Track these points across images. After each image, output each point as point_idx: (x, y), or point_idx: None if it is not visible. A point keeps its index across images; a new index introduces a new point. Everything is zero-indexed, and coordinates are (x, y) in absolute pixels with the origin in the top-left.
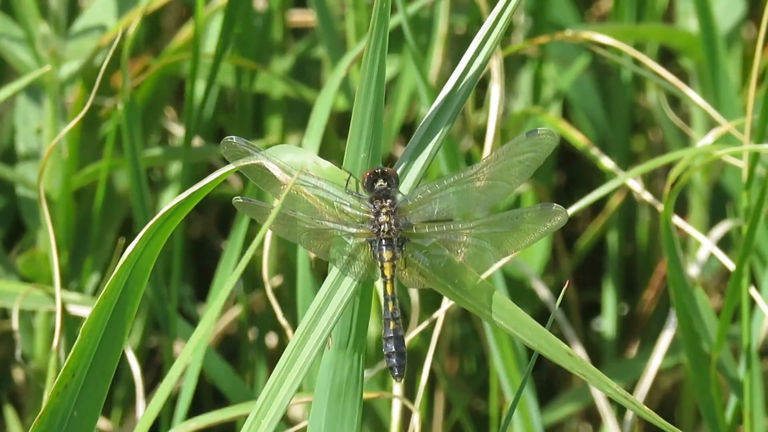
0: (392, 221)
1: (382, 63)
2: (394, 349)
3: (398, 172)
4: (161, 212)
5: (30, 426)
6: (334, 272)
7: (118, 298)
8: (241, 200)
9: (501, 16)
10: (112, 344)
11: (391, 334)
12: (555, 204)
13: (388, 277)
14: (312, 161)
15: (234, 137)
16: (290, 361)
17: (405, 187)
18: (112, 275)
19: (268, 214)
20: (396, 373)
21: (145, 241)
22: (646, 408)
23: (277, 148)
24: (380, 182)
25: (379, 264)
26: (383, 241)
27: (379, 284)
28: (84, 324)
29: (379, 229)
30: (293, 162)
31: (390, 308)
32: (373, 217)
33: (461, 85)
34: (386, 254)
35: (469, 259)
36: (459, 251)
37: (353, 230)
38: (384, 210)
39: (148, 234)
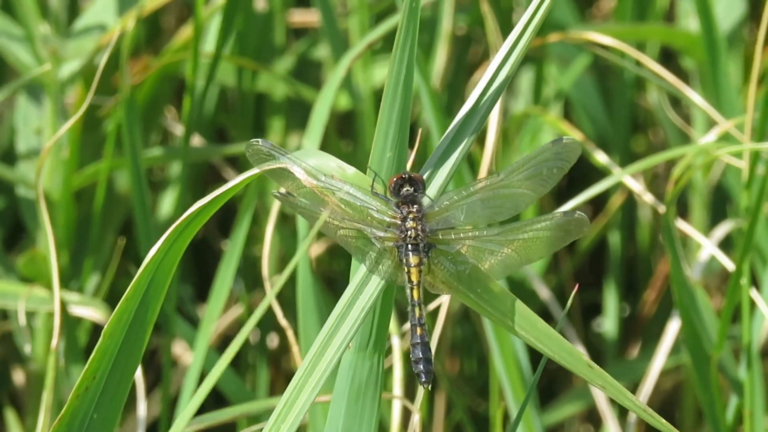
0: (419, 227)
1: (410, 61)
2: (421, 355)
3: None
4: (186, 214)
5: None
6: (357, 277)
7: (140, 300)
8: (278, 194)
9: (529, 25)
10: (132, 347)
11: (418, 340)
12: (577, 212)
13: (415, 282)
14: (336, 165)
15: (260, 140)
16: (313, 363)
17: (429, 194)
18: (135, 277)
19: (304, 208)
20: (423, 379)
21: (168, 244)
22: (663, 421)
23: (301, 153)
24: (407, 187)
25: (406, 269)
26: (410, 246)
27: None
28: (105, 326)
29: (406, 235)
30: (317, 166)
31: (417, 314)
32: (400, 222)
33: (487, 93)
34: (413, 259)
35: (493, 266)
36: (483, 258)
37: (380, 234)
38: (411, 215)
39: (171, 237)
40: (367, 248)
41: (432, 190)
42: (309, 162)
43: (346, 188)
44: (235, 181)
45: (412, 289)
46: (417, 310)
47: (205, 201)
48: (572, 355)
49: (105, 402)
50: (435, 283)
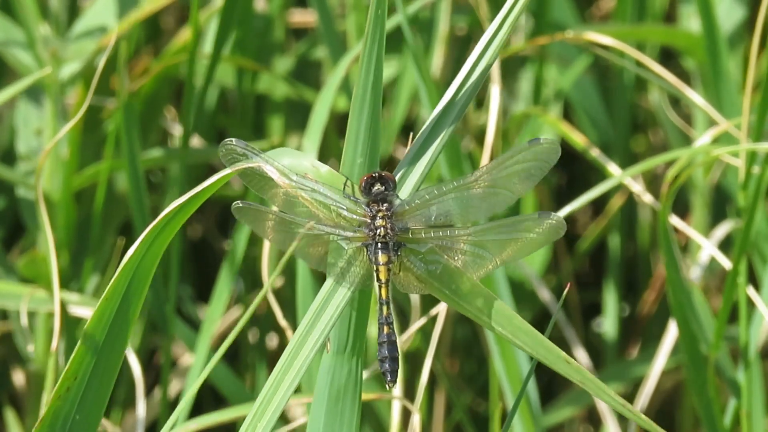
0: (388, 225)
1: (378, 69)
2: (387, 354)
3: (398, 176)
4: (162, 215)
5: (30, 427)
6: (328, 280)
7: (120, 300)
8: (241, 205)
9: (506, 19)
10: (114, 347)
11: (385, 339)
12: (553, 213)
13: (383, 280)
14: (310, 164)
15: (234, 139)
16: (288, 363)
17: (405, 191)
18: (114, 277)
19: (268, 219)
20: (389, 378)
21: (147, 244)
22: (644, 417)
23: (276, 152)
24: (378, 186)
25: (375, 267)
26: (379, 244)
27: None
28: (86, 326)
29: (375, 233)
30: (291, 165)
31: (384, 312)
32: (369, 220)
33: (463, 89)
34: (381, 257)
35: (466, 266)
36: (456, 258)
37: (350, 234)
38: (380, 214)
39: (149, 236)
40: (333, 258)
41: (408, 186)
42: (283, 161)
43: (318, 187)
44: (211, 180)
45: (380, 287)
46: (384, 308)
47: (181, 200)
48: (549, 350)
49: (87, 402)
50: (408, 280)
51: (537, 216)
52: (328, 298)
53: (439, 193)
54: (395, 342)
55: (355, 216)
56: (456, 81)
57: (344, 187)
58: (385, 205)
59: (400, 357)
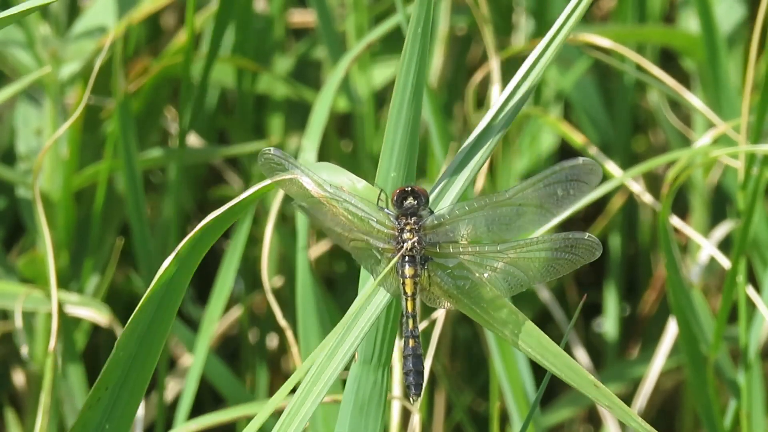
0: (416, 239)
1: (419, 85)
2: (412, 368)
3: (437, 190)
4: (200, 225)
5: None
6: (364, 289)
7: (154, 312)
8: (300, 205)
9: (557, 34)
10: (146, 358)
11: (410, 352)
12: (588, 233)
13: (410, 294)
14: (347, 179)
15: (271, 149)
16: (316, 375)
17: (443, 206)
18: (149, 288)
19: (322, 217)
20: (414, 392)
21: (182, 255)
22: None
23: (315, 165)
24: (409, 200)
25: (401, 280)
26: (406, 257)
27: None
28: (119, 338)
29: (402, 246)
30: (329, 179)
31: (410, 326)
32: (397, 233)
33: (508, 105)
34: (408, 271)
35: (495, 284)
36: (484, 275)
37: (381, 245)
38: (408, 227)
39: (185, 248)
40: (375, 260)
41: (446, 202)
42: (321, 175)
43: (351, 199)
44: (251, 191)
45: (406, 300)
46: (411, 321)
47: (220, 211)
48: (577, 373)
49: (117, 413)
50: (436, 294)
51: (570, 235)
52: (360, 311)
53: (471, 209)
54: (421, 355)
55: (384, 228)
56: (502, 96)
57: (378, 200)
58: (414, 218)
59: (424, 370)
